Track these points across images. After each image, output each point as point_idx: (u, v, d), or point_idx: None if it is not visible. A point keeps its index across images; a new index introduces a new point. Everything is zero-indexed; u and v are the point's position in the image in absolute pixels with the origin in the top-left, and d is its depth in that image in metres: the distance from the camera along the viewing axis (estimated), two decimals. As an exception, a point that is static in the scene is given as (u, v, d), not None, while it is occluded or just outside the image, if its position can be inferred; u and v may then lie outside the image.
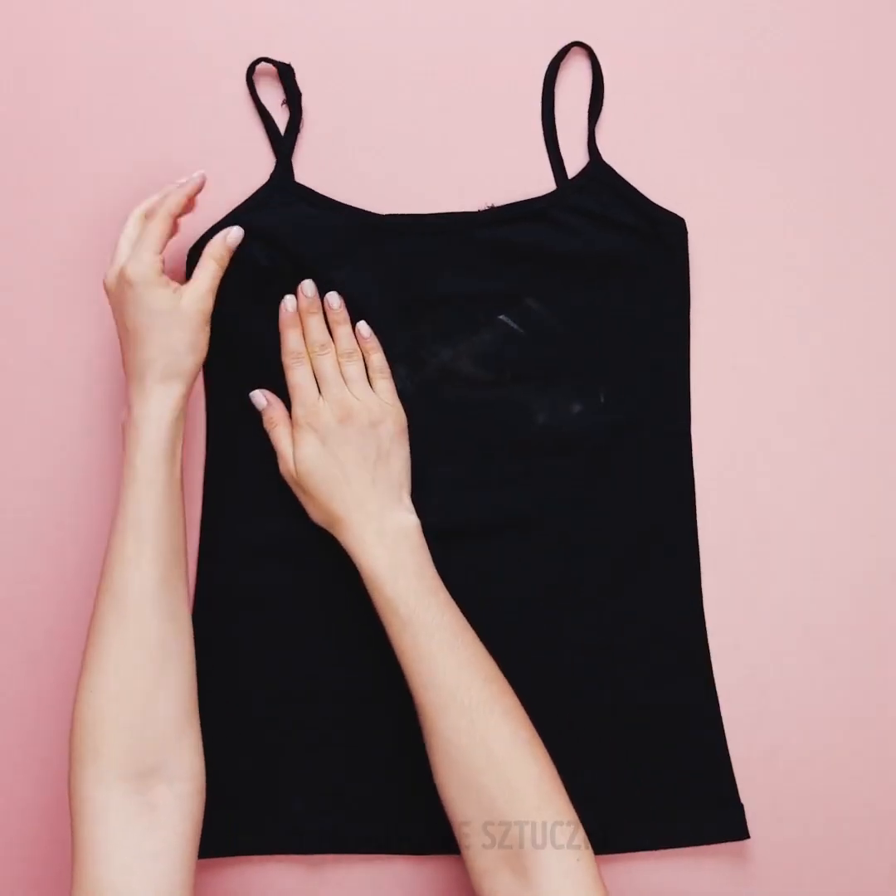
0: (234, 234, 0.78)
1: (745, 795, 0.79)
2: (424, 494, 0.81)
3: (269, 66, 0.85)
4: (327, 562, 0.80)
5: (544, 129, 0.85)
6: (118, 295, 0.75)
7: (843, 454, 0.84)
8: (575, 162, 0.84)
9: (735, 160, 0.85)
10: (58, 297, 0.84)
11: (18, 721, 0.82)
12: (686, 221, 0.83)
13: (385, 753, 0.79)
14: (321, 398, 0.79)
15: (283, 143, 0.84)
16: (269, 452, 0.81)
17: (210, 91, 0.85)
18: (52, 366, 0.84)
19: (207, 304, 0.76)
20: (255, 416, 0.82)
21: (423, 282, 0.82)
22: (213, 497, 0.83)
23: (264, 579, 0.81)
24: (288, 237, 0.81)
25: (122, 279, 0.74)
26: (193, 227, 0.82)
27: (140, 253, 0.74)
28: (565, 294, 0.82)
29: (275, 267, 0.82)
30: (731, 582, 0.82)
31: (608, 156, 0.84)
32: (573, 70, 0.86)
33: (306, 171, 0.84)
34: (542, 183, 0.84)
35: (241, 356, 0.82)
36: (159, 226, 0.76)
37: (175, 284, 0.75)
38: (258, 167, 0.84)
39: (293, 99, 0.85)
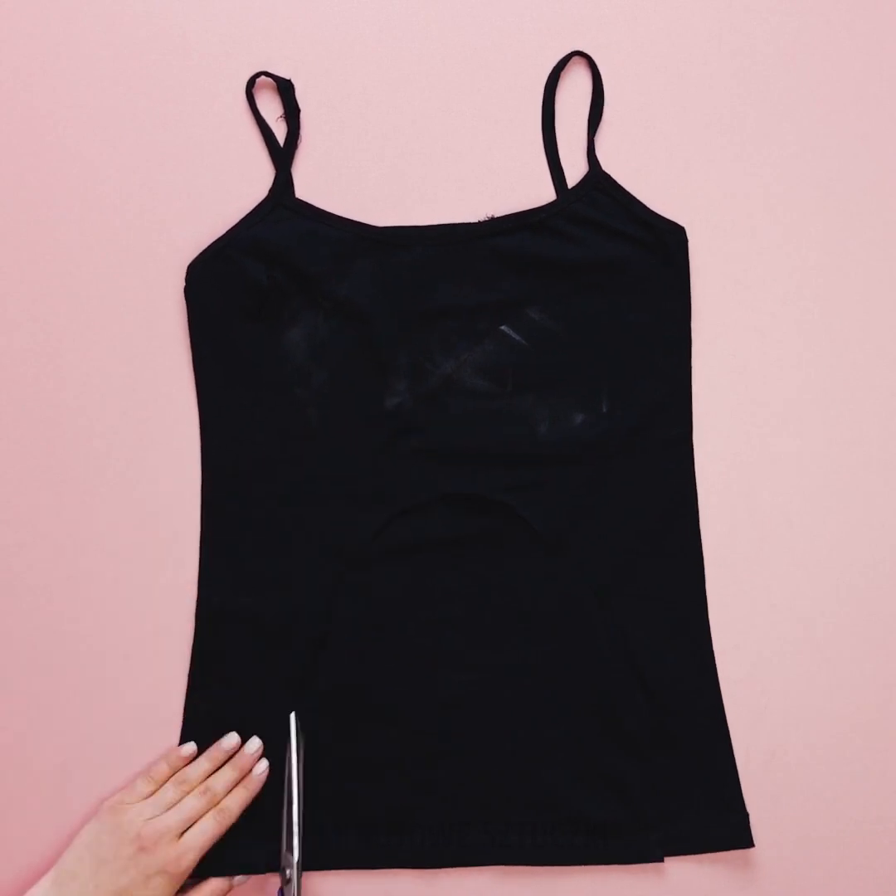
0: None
1: (745, 796, 0.79)
2: (427, 505, 0.81)
3: (269, 80, 0.85)
4: (325, 582, 0.81)
5: (544, 139, 0.85)
6: (123, 837, 0.74)
7: (844, 457, 0.83)
8: (574, 171, 0.84)
9: (734, 168, 0.85)
10: (57, 302, 0.85)
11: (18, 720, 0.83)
12: (686, 229, 0.83)
13: (391, 769, 0.80)
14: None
15: (282, 158, 0.85)
16: (265, 472, 0.82)
17: (210, 105, 0.86)
18: (52, 366, 0.84)
19: None
20: (251, 435, 0.82)
21: (423, 293, 0.83)
22: (210, 519, 0.83)
23: (263, 601, 0.81)
24: (288, 252, 0.82)
25: (143, 841, 0.74)
26: (195, 241, 0.83)
27: (184, 851, 0.74)
28: (566, 303, 0.83)
29: (273, 286, 0.82)
30: (732, 584, 0.82)
31: (607, 165, 0.84)
32: (573, 80, 0.86)
33: (305, 185, 0.85)
34: (541, 193, 0.84)
35: (238, 376, 0.83)
36: (214, 829, 0.76)
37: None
38: (257, 181, 0.85)
39: (292, 113, 0.85)
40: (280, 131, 0.85)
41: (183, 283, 0.83)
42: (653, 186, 0.83)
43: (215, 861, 0.77)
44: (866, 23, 0.86)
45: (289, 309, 0.82)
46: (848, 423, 0.84)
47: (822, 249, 0.85)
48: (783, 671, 0.82)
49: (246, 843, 0.78)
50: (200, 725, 0.80)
